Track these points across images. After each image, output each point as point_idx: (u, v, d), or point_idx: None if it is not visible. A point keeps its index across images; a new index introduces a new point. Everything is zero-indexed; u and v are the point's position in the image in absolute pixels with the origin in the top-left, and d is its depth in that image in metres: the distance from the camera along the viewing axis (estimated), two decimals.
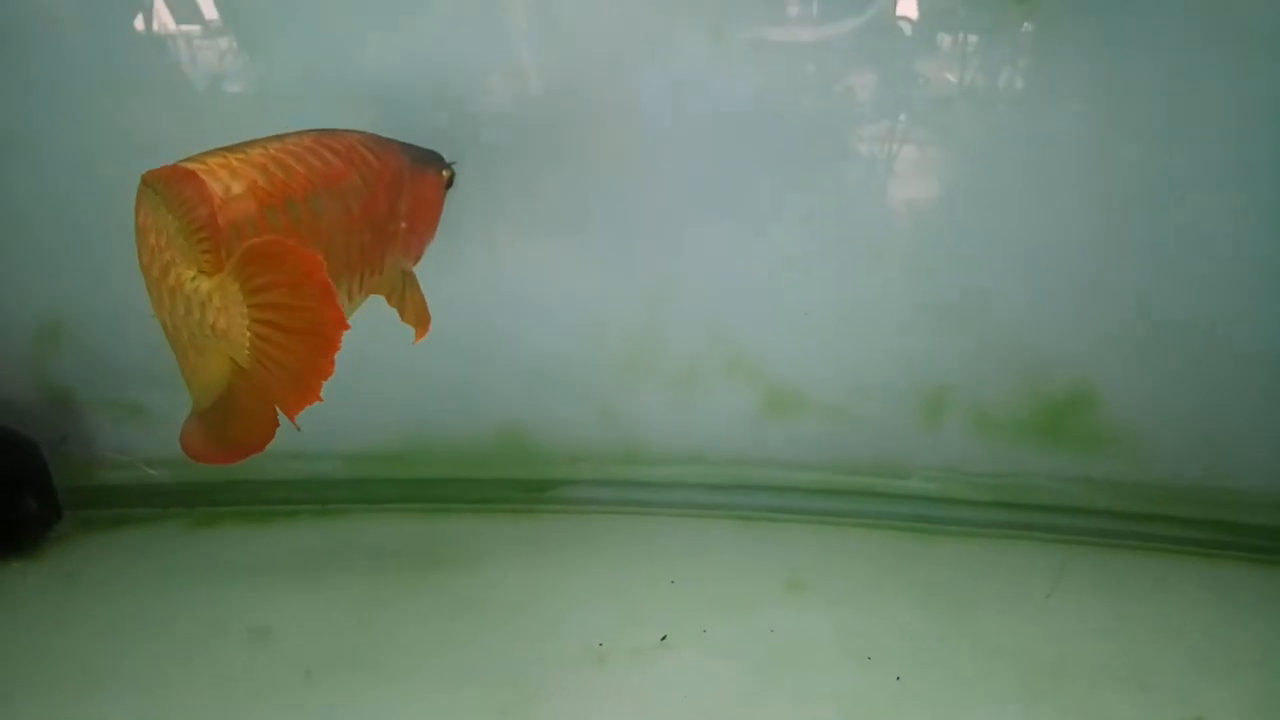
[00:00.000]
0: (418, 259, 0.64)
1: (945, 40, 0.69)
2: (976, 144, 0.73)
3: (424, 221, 0.63)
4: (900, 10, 0.68)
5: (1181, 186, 0.70)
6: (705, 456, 0.84)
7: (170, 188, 0.44)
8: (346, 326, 0.43)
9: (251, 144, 0.50)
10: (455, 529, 0.82)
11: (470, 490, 0.85)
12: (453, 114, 0.70)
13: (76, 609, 0.71)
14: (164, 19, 0.72)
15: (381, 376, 0.79)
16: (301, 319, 0.43)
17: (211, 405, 0.49)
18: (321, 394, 0.44)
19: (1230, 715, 0.60)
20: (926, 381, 0.79)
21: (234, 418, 0.49)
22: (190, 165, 0.45)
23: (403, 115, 0.67)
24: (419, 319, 0.62)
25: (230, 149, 0.49)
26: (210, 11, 0.72)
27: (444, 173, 0.65)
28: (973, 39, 0.69)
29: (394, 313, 0.62)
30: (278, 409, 0.47)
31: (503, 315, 0.79)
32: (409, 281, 0.62)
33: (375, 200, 0.56)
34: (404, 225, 0.60)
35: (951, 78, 0.70)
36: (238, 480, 0.83)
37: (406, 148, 0.61)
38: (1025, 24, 0.67)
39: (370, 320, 0.59)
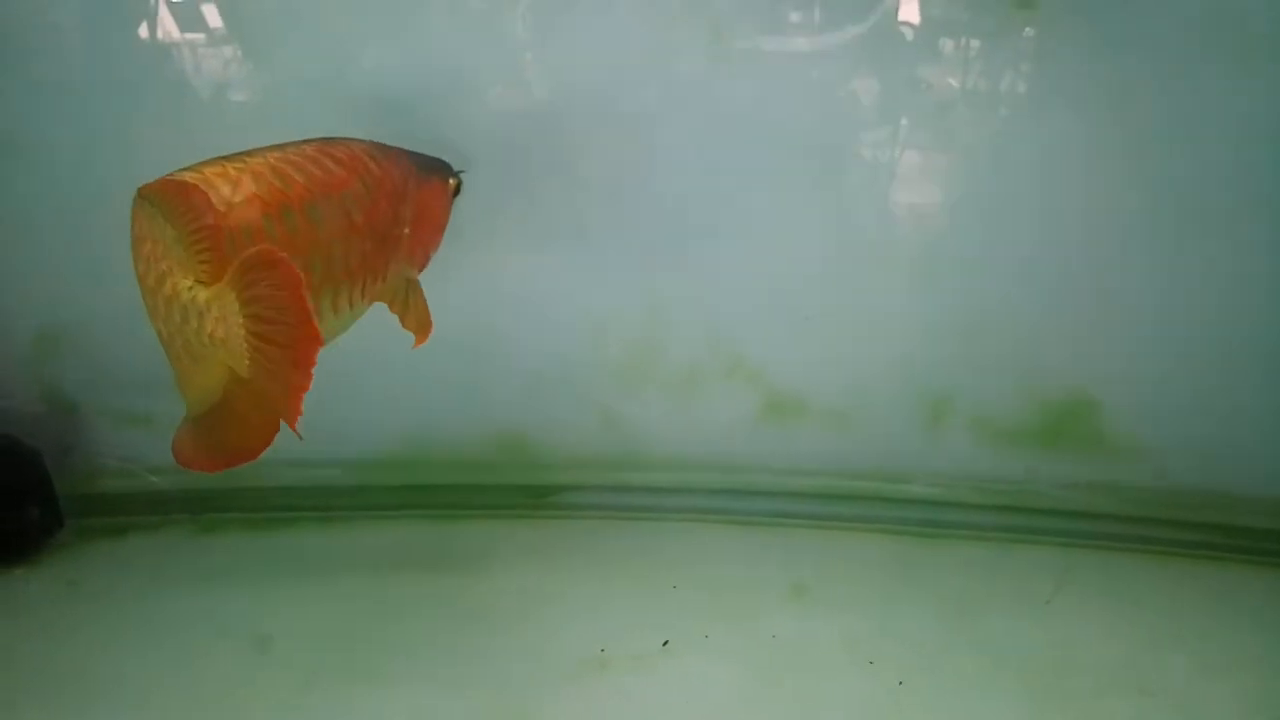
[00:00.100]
0: (423, 267, 0.64)
1: (947, 45, 0.70)
2: (979, 150, 0.73)
3: (429, 229, 0.63)
4: (903, 16, 0.68)
5: (1183, 191, 0.70)
6: (706, 462, 0.84)
7: (171, 199, 0.44)
8: (320, 343, 0.43)
9: (251, 153, 0.50)
10: (456, 535, 0.82)
11: (472, 496, 0.85)
12: (454, 121, 0.70)
13: (78, 617, 0.71)
14: (168, 27, 0.72)
15: (383, 382, 0.79)
16: (282, 333, 0.43)
17: (205, 413, 0.49)
18: (301, 407, 0.44)
19: (1232, 719, 0.60)
20: (928, 386, 0.79)
21: (228, 426, 0.49)
22: (187, 176, 0.45)
23: (405, 123, 0.67)
24: (420, 326, 0.62)
25: (228, 158, 0.49)
26: (215, 20, 0.72)
27: (451, 181, 0.65)
28: (974, 44, 0.69)
29: (395, 318, 0.62)
30: (279, 418, 0.47)
31: (503, 320, 0.79)
32: (412, 289, 0.62)
33: (378, 208, 0.56)
34: (407, 233, 0.60)
35: (953, 83, 0.70)
36: (240, 487, 0.83)
37: (413, 156, 0.61)
38: (1027, 29, 0.67)
39: (372, 327, 0.59)
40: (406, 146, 0.62)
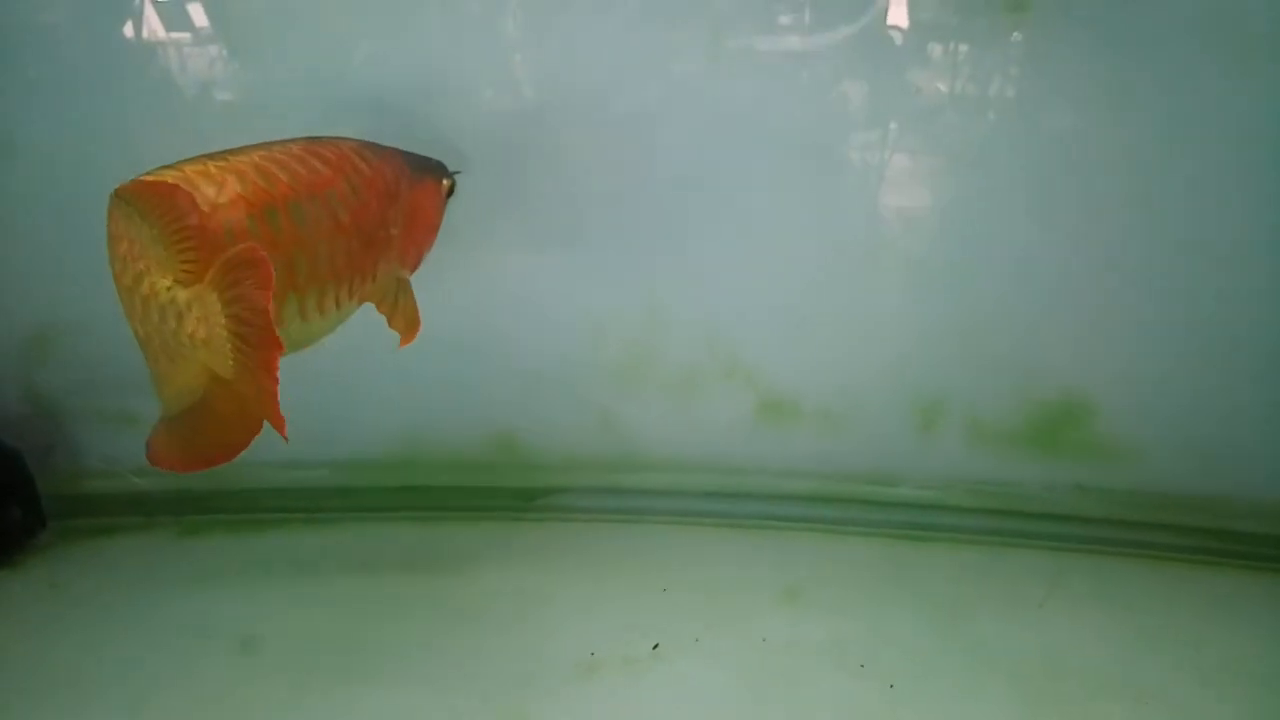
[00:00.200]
0: (415, 267, 0.63)
1: (938, 49, 0.69)
2: (972, 152, 0.72)
3: (421, 230, 0.62)
4: (892, 19, 0.68)
5: (1177, 193, 0.70)
6: (700, 464, 0.83)
7: (154, 200, 0.43)
8: (280, 350, 0.43)
9: (235, 151, 0.49)
10: (448, 536, 0.81)
11: (463, 497, 0.84)
12: (449, 121, 0.70)
13: (61, 619, 0.71)
14: (154, 26, 0.71)
15: (374, 382, 0.79)
16: (254, 334, 0.43)
17: (182, 413, 0.48)
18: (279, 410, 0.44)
19: None
20: (921, 389, 0.79)
21: (206, 426, 0.48)
22: (169, 175, 0.45)
23: (398, 123, 0.67)
24: (407, 326, 0.62)
25: (211, 156, 0.48)
26: (201, 19, 0.72)
27: (444, 181, 0.64)
28: (964, 48, 0.69)
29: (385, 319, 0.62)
30: (261, 420, 0.46)
31: (498, 321, 0.79)
32: (403, 289, 0.62)
33: (366, 208, 0.55)
34: (397, 233, 0.59)
35: (944, 86, 0.70)
36: (225, 489, 0.83)
37: (407, 156, 0.61)
38: (1016, 32, 0.67)
39: (363, 327, 0.59)
40: (404, 147, 0.61)
